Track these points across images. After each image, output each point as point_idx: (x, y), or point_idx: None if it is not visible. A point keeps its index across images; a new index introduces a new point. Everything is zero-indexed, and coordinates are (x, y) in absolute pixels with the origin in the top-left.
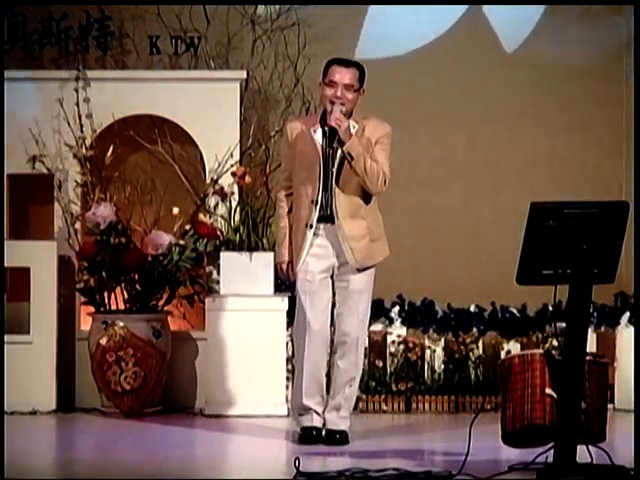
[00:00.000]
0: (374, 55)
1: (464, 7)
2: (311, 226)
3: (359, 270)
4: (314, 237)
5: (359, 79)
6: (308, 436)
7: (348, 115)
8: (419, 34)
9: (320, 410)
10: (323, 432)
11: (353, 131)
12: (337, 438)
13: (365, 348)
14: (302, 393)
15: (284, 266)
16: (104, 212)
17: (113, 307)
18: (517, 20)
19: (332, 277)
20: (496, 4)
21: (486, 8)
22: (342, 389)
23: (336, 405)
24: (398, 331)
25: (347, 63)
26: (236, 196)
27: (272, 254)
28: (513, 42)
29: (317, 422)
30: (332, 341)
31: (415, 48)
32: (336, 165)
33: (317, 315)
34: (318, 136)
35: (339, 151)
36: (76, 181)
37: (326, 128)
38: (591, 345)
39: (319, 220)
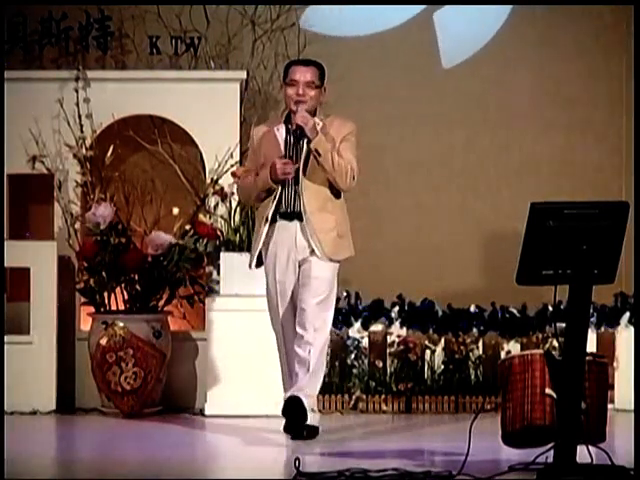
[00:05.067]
0: (374, 56)
1: (465, 8)
2: (266, 219)
3: (323, 261)
4: (277, 232)
5: (319, 77)
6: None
7: (312, 113)
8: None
9: None
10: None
11: (318, 128)
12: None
13: (365, 348)
14: (284, 387)
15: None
16: (104, 212)
17: (113, 307)
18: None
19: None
20: (502, 4)
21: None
22: (305, 362)
23: (300, 386)
24: (398, 331)
25: (306, 62)
26: (236, 196)
27: None
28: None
29: None
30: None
31: (416, 49)
32: (302, 161)
33: (288, 313)
34: (281, 134)
35: (304, 148)
36: (76, 181)
37: (289, 126)
38: (591, 345)
39: (283, 216)
